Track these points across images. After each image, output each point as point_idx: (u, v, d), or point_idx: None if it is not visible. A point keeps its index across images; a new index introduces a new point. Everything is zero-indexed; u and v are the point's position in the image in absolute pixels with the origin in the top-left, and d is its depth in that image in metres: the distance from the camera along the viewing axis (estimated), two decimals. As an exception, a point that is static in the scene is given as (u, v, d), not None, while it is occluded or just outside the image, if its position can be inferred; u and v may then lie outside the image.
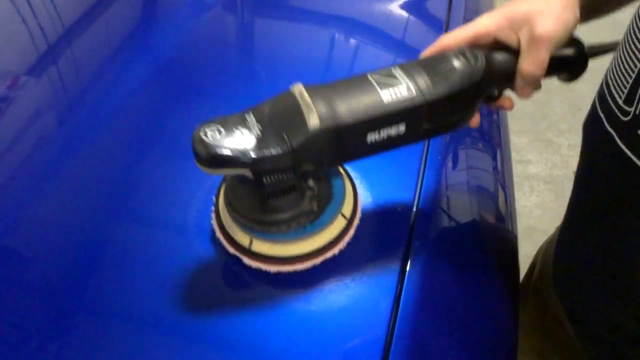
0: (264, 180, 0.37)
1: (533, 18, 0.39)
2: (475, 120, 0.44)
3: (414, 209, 0.46)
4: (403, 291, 0.40)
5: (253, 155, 0.35)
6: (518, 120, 1.86)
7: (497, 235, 0.53)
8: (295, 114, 0.36)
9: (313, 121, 0.35)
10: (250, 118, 0.36)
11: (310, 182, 0.40)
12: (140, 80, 0.56)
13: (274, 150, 0.35)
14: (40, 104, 0.54)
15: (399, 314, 0.38)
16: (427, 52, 0.42)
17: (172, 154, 0.50)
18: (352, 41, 0.67)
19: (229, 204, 0.41)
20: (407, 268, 0.41)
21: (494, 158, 0.59)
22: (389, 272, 0.41)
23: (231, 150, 0.34)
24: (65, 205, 0.45)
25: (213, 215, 0.43)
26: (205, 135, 0.35)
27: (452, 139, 0.55)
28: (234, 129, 0.35)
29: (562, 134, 1.83)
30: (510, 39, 0.40)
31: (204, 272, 0.41)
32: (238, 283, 0.41)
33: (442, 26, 0.70)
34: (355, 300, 0.39)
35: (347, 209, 0.43)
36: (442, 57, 0.40)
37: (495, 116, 0.64)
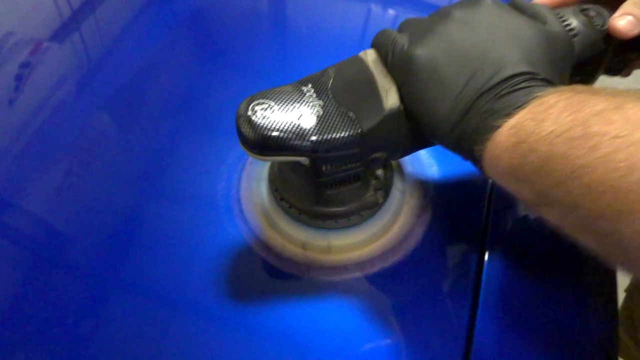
0: (323, 168, 0.31)
1: None
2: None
3: (485, 201, 0.41)
4: (481, 291, 0.35)
5: (313, 138, 0.28)
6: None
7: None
8: (368, 89, 0.29)
9: (391, 100, 0.29)
10: (310, 92, 0.30)
11: (379, 171, 0.34)
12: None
13: (339, 134, 0.29)
14: (62, 71, 0.52)
15: (477, 316, 0.35)
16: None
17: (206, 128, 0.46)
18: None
19: (275, 190, 0.36)
20: (484, 267, 0.37)
21: None
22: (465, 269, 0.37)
23: (287, 132, 0.28)
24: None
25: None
26: (254, 113, 0.28)
27: None
28: (289, 105, 0.29)
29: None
30: None
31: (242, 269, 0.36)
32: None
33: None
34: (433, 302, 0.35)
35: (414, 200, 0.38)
36: (557, 15, 0.31)
37: None
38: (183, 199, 0.41)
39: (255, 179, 0.40)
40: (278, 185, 0.36)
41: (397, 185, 0.39)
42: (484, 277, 0.36)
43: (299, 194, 0.35)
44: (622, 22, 0.30)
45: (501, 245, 0.38)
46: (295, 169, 0.34)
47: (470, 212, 0.40)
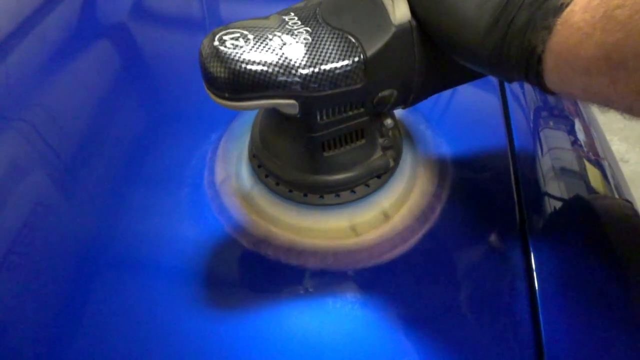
0: (319, 117, 0.24)
1: None
2: None
3: (512, 177, 0.34)
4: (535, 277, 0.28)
5: (303, 72, 0.21)
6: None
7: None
8: (368, 4, 0.23)
9: (400, 12, 0.22)
10: (293, 19, 0.23)
11: (388, 121, 0.27)
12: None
13: (335, 64, 0.22)
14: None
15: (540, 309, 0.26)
16: None
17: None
18: None
19: (253, 156, 0.29)
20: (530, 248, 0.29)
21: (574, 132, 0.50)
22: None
23: (268, 65, 0.21)
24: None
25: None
26: (223, 43, 0.21)
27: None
28: (268, 34, 0.22)
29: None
30: None
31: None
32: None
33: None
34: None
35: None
36: None
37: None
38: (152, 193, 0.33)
39: (234, 157, 0.32)
40: (261, 158, 0.29)
41: (408, 147, 0.32)
42: (533, 259, 0.28)
43: (289, 162, 0.27)
44: None
45: (542, 224, 0.31)
46: (282, 129, 0.27)
47: (498, 185, 0.33)
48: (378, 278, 0.27)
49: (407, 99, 0.26)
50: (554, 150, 0.44)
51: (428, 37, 0.24)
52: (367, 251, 0.27)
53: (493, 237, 0.30)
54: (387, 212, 0.29)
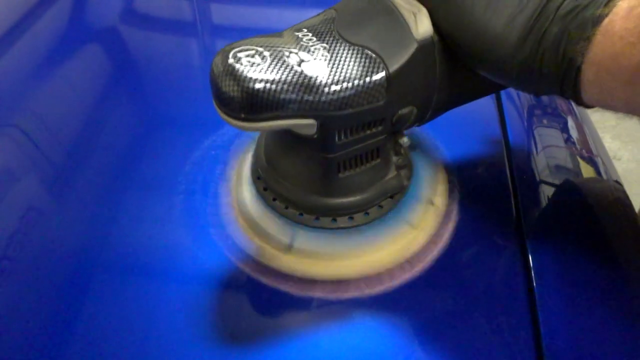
0: (337, 137, 0.23)
1: None
2: None
3: (508, 175, 0.34)
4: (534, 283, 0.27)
5: (324, 90, 0.20)
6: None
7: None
8: (388, 19, 0.22)
9: (423, 26, 0.22)
10: (307, 36, 0.22)
11: (405, 140, 0.26)
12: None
13: (357, 81, 0.21)
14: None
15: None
16: None
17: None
18: None
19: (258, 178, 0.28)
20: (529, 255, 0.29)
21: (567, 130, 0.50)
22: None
23: (287, 83, 0.20)
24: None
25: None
26: (239, 61, 0.20)
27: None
28: (284, 51, 0.21)
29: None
30: None
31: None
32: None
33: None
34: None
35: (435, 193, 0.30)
36: None
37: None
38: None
39: (235, 175, 0.31)
40: (268, 180, 0.27)
41: (418, 165, 0.31)
42: (532, 265, 0.28)
43: (300, 184, 0.26)
44: None
45: (540, 227, 0.31)
46: (294, 150, 0.26)
47: (496, 193, 0.33)
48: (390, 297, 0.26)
49: (425, 116, 0.25)
50: (548, 148, 0.44)
51: (449, 52, 0.23)
52: (387, 273, 0.27)
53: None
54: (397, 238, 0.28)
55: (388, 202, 0.27)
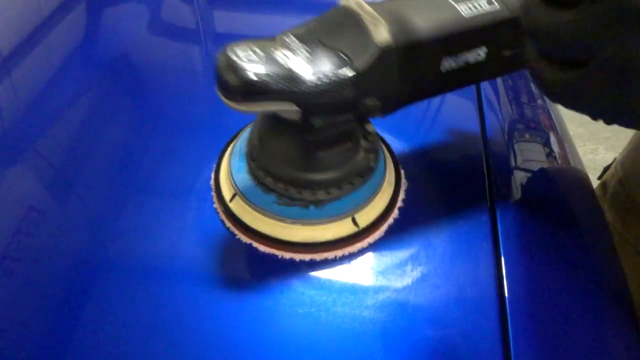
0: (315, 121, 0.28)
1: None
2: None
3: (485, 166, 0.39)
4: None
5: (305, 81, 0.26)
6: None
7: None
8: (357, 29, 0.28)
9: (382, 35, 0.27)
10: (292, 40, 0.27)
11: (371, 127, 0.31)
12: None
13: (332, 75, 0.26)
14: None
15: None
16: None
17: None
18: None
19: (252, 159, 0.32)
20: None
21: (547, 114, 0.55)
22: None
23: (276, 75, 0.25)
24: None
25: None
26: (237, 56, 0.25)
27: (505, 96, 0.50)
28: (274, 50, 0.26)
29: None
30: None
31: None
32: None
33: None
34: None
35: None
36: None
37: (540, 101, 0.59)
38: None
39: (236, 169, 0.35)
40: (259, 159, 0.33)
41: (389, 168, 0.36)
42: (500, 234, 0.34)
43: (286, 162, 0.31)
44: None
45: (511, 204, 0.37)
46: (281, 134, 0.31)
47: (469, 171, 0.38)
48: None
49: (387, 108, 0.30)
50: (528, 162, 0.48)
51: (408, 59, 0.28)
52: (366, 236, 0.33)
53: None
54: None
55: (358, 180, 0.33)
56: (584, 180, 0.48)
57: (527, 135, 0.50)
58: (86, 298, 0.30)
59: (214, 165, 0.36)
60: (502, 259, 0.33)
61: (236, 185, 0.33)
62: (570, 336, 0.32)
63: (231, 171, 0.34)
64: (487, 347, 0.28)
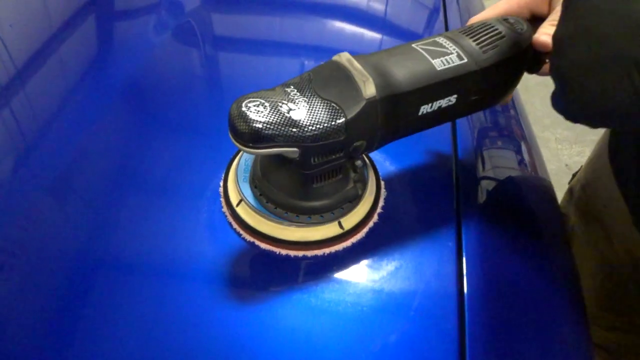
0: (312, 160, 0.33)
1: None
2: (508, 97, 0.43)
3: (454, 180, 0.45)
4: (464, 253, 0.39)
5: (304, 128, 0.31)
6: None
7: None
8: (347, 83, 0.32)
9: (369, 90, 0.32)
10: (293, 91, 0.32)
11: (358, 162, 0.36)
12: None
13: (326, 124, 0.31)
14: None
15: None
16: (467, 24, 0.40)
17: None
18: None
19: (260, 193, 0.38)
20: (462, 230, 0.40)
21: (520, 151, 0.60)
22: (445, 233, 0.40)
23: (280, 125, 0.30)
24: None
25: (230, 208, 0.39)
26: (248, 109, 0.30)
27: (476, 119, 0.55)
28: (278, 102, 0.31)
29: (547, 129, 1.85)
30: (544, 10, 0.40)
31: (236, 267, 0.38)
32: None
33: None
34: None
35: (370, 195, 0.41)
36: (486, 25, 0.38)
37: (512, 111, 0.64)
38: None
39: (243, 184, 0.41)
40: (262, 187, 0.38)
41: (371, 182, 0.42)
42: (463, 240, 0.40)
43: (286, 192, 0.37)
44: (543, 37, 0.36)
45: (476, 215, 0.43)
46: (281, 166, 0.36)
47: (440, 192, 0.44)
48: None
49: (372, 147, 0.36)
50: (497, 169, 0.55)
51: (387, 107, 0.33)
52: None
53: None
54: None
55: (348, 206, 0.39)
56: (546, 186, 0.54)
57: (497, 143, 0.56)
58: (109, 295, 0.36)
59: (223, 175, 0.43)
60: (464, 256, 0.39)
61: (242, 192, 0.40)
62: (521, 322, 0.39)
63: (237, 180, 0.41)
64: (446, 326, 0.35)
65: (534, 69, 0.41)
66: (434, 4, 0.75)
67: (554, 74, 0.30)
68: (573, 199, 0.65)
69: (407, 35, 0.70)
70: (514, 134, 0.60)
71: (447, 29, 0.68)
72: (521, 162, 0.56)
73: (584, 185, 0.62)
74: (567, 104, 0.30)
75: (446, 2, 0.73)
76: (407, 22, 0.73)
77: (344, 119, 0.32)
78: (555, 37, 0.30)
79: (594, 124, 0.31)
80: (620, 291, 0.60)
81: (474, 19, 0.41)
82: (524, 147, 0.59)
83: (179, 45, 0.62)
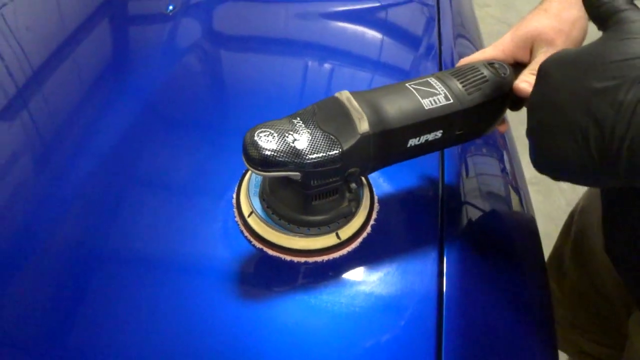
0: (312, 182, 0.38)
1: (549, 36, 0.42)
2: (503, 127, 0.48)
3: (439, 204, 0.49)
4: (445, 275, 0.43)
5: (306, 156, 0.36)
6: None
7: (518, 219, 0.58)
8: (345, 118, 0.38)
9: (363, 126, 0.37)
10: (299, 122, 0.38)
11: (353, 185, 0.41)
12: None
13: (325, 153, 0.36)
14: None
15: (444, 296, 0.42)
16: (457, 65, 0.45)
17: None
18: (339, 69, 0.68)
19: (268, 207, 0.43)
20: (444, 255, 0.45)
21: (503, 161, 0.65)
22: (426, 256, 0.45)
23: (285, 153, 0.36)
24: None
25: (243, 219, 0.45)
26: (260, 138, 0.36)
27: (465, 148, 0.59)
28: (285, 133, 0.37)
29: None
30: (525, 58, 0.44)
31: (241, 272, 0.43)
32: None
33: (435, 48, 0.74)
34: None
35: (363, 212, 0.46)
36: (473, 68, 0.42)
37: (500, 140, 0.68)
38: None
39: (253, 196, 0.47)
40: (269, 202, 0.44)
41: (366, 199, 0.48)
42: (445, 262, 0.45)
43: (289, 207, 0.43)
44: (523, 84, 0.41)
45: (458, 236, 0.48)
46: (286, 186, 0.42)
47: (425, 210, 0.50)
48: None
49: (365, 173, 0.41)
50: (481, 176, 0.60)
51: (379, 141, 0.38)
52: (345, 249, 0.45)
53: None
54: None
55: (343, 221, 0.44)
56: (527, 218, 0.59)
57: (481, 169, 0.61)
58: (132, 292, 0.42)
59: (235, 188, 0.49)
60: (444, 262, 0.45)
61: (253, 205, 0.46)
62: (494, 327, 0.45)
63: (249, 194, 0.47)
64: (426, 324, 0.41)
65: (516, 108, 0.46)
66: (428, 18, 0.80)
67: (526, 131, 0.35)
68: (570, 239, 0.71)
69: (403, 47, 0.75)
70: (499, 161, 0.65)
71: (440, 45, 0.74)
72: (504, 186, 0.61)
73: (580, 230, 0.67)
74: (535, 158, 0.35)
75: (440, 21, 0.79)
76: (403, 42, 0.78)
77: (340, 150, 0.37)
78: (528, 100, 0.35)
79: (557, 179, 0.35)
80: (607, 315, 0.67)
81: (464, 61, 0.46)
82: (508, 175, 0.64)
83: (203, 57, 0.67)
